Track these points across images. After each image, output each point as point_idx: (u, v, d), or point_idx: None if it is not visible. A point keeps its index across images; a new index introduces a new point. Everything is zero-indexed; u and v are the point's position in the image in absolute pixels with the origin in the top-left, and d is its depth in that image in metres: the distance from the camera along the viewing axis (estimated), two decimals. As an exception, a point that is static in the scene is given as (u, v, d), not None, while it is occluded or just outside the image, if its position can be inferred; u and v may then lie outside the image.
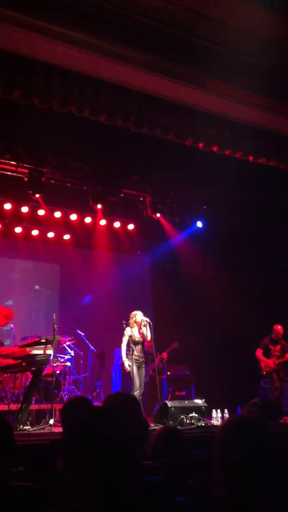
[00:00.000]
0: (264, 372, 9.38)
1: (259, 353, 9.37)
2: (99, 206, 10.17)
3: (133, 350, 8.23)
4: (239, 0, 5.87)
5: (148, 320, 8.41)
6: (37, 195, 9.35)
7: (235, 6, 5.90)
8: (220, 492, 1.78)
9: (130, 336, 8.35)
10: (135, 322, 8.42)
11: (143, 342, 8.44)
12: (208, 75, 6.62)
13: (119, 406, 2.64)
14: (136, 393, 8.01)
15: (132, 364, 8.18)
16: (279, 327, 9.30)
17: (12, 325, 8.44)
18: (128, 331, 8.36)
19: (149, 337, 8.34)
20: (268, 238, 10.75)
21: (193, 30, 6.11)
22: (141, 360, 8.34)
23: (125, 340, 8.36)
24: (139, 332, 8.40)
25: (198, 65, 6.46)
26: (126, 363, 8.24)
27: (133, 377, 8.13)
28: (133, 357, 8.21)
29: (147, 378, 8.97)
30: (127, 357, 8.28)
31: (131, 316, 8.51)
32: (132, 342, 8.32)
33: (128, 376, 8.40)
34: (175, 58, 6.29)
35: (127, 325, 8.42)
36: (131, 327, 8.41)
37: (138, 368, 8.26)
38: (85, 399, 3.68)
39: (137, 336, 8.37)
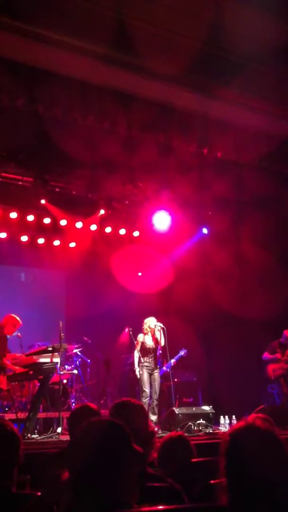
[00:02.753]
0: (272, 377, 9.31)
1: (266, 356, 9.31)
2: (102, 211, 10.21)
3: (145, 358, 8.16)
4: (246, 6, 5.89)
5: (161, 325, 8.27)
6: (43, 201, 9.42)
7: (241, 13, 5.92)
8: (226, 499, 1.76)
9: (143, 343, 8.24)
10: (149, 328, 8.29)
11: (155, 349, 8.29)
12: (215, 82, 6.63)
13: (124, 414, 2.63)
14: (146, 400, 7.97)
15: (143, 372, 8.11)
16: (289, 332, 9.25)
17: (19, 334, 8.44)
18: (140, 338, 8.27)
19: (162, 342, 8.21)
20: (276, 242, 10.70)
21: (201, 38, 6.12)
22: (152, 366, 8.23)
23: (138, 347, 8.25)
24: (153, 338, 8.28)
25: (204, 72, 6.48)
26: (137, 370, 8.16)
27: (142, 384, 8.08)
28: (145, 364, 8.15)
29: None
30: (138, 364, 8.20)
31: (144, 322, 8.38)
32: (144, 349, 8.22)
33: (137, 383, 8.33)
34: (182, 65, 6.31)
35: (142, 331, 8.31)
36: (144, 334, 8.30)
37: (151, 374, 8.18)
38: (91, 407, 3.65)
39: (149, 344, 8.26)
